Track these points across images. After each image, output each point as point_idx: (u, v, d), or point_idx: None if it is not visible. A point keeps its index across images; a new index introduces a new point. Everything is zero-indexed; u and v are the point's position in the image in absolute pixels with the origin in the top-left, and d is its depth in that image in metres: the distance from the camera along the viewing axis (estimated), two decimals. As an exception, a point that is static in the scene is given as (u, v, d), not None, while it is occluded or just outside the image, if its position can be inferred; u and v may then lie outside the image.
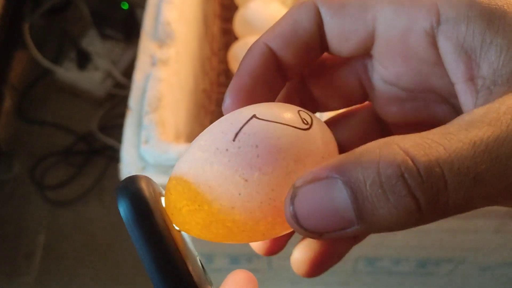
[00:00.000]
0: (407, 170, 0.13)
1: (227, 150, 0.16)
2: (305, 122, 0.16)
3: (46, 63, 0.97)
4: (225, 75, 0.63)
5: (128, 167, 0.40)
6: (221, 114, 0.59)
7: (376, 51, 0.18)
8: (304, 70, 0.20)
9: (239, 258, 0.55)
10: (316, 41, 0.18)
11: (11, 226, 0.89)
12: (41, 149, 0.96)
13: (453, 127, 0.14)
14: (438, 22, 0.15)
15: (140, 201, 0.15)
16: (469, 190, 0.13)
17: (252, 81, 0.18)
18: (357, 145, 0.20)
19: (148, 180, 0.16)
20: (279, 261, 0.56)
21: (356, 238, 0.19)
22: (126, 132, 0.42)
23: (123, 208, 0.15)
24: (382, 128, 0.21)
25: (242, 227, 0.16)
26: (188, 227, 0.17)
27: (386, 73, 0.18)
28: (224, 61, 0.60)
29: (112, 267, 0.85)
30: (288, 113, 0.16)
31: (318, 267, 0.18)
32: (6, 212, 0.91)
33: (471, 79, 0.15)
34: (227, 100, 0.18)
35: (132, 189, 0.15)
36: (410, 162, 0.13)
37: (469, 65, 0.15)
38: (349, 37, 0.17)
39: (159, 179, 0.39)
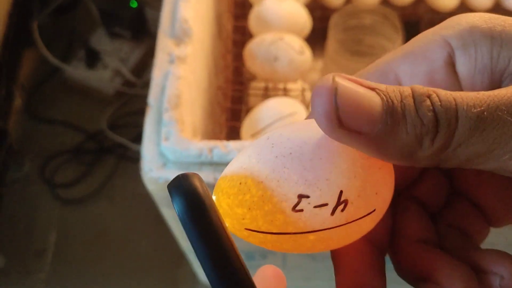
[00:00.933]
0: (431, 95, 0.15)
1: (290, 153, 0.16)
2: None
3: (55, 61, 0.98)
4: (238, 72, 0.63)
5: (148, 164, 0.40)
6: (236, 111, 0.59)
7: None
8: None
9: (255, 255, 0.55)
10: None
11: (22, 224, 0.90)
12: (51, 147, 0.97)
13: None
14: (453, 51, 0.18)
15: (197, 198, 0.15)
16: (471, 132, 0.15)
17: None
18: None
19: (200, 177, 0.16)
20: (294, 258, 0.56)
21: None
22: (146, 129, 0.42)
23: (179, 206, 0.15)
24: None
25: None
26: (237, 227, 0.17)
27: None
28: (238, 58, 0.60)
29: (123, 265, 0.85)
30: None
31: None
32: (17, 211, 0.91)
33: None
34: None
35: (188, 186, 0.15)
36: (434, 92, 0.15)
37: (484, 80, 0.17)
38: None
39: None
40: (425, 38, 0.18)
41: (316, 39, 0.66)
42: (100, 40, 1.02)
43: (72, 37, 1.07)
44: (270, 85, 0.53)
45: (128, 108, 1.00)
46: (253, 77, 0.57)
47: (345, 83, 0.15)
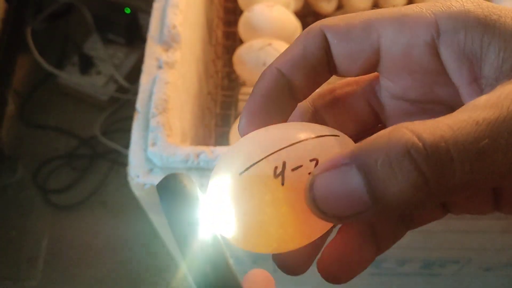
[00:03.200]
0: (413, 147, 0.13)
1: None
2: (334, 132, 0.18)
3: (48, 67, 0.98)
4: (229, 78, 0.63)
5: (135, 169, 0.40)
6: (226, 117, 0.59)
7: (382, 68, 0.19)
8: (314, 92, 0.21)
9: (245, 260, 0.55)
10: (324, 64, 0.19)
11: (14, 230, 0.89)
12: (44, 153, 0.97)
13: (457, 111, 0.15)
14: (438, 34, 0.17)
15: (186, 198, 0.15)
16: (474, 164, 0.14)
17: (265, 102, 0.19)
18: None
19: (189, 177, 0.16)
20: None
21: (377, 236, 0.19)
22: (133, 135, 0.42)
23: (165, 207, 0.15)
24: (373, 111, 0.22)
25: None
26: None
27: (393, 88, 0.19)
28: (228, 64, 0.60)
29: (115, 271, 0.85)
30: (324, 127, 0.18)
31: (346, 268, 0.19)
32: (10, 216, 0.91)
33: (475, 80, 0.17)
34: (243, 121, 0.19)
35: (176, 186, 0.15)
36: (416, 139, 0.14)
37: (471, 68, 0.17)
38: (356, 58, 0.19)
39: (167, 181, 0.39)
40: (417, 9, 0.18)
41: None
42: (94, 46, 1.02)
43: (66, 43, 1.07)
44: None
45: (122, 114, 1.00)
46: (243, 83, 0.58)
47: (320, 179, 0.15)
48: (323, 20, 0.19)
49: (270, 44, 0.49)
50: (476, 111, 0.14)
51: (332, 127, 0.21)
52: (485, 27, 0.16)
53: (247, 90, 0.58)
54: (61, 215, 0.91)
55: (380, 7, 0.66)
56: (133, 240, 0.87)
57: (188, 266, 0.15)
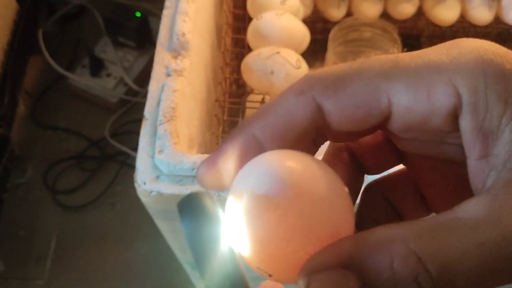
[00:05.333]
0: (421, 275, 0.14)
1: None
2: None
3: (59, 69, 0.99)
4: (237, 84, 0.64)
5: (142, 176, 0.41)
6: (233, 123, 0.59)
7: (393, 126, 0.17)
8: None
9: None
10: (310, 136, 0.18)
11: (23, 230, 0.90)
12: (53, 154, 0.98)
13: (459, 224, 0.14)
14: (460, 104, 0.16)
15: (207, 218, 0.15)
16: (480, 280, 0.14)
17: (227, 163, 0.17)
18: (375, 169, 0.21)
19: (210, 196, 0.16)
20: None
21: None
22: (141, 141, 0.42)
23: (186, 224, 0.15)
24: (396, 152, 0.21)
25: None
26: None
27: (401, 134, 0.18)
28: (236, 71, 0.60)
29: (121, 272, 0.86)
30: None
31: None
32: (19, 216, 0.92)
33: (485, 157, 0.16)
34: (199, 173, 0.18)
35: (197, 205, 0.15)
36: (422, 268, 0.14)
37: (485, 144, 0.16)
38: (359, 125, 0.17)
39: (173, 189, 0.40)
40: (432, 70, 0.16)
41: (318, 51, 0.66)
42: (105, 49, 1.03)
43: (76, 46, 1.08)
44: (267, 98, 0.54)
45: (131, 116, 1.00)
46: (251, 90, 0.58)
47: (317, 283, 0.14)
48: (311, 78, 0.17)
49: (279, 53, 0.49)
50: (479, 229, 0.14)
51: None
52: (505, 105, 0.15)
53: (254, 97, 0.58)
54: (69, 216, 0.92)
55: (389, 14, 0.66)
56: (140, 241, 0.88)
57: (206, 283, 0.15)
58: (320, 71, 0.17)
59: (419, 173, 0.20)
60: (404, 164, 0.21)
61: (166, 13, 0.50)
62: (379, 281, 0.14)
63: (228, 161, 0.18)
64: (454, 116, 0.16)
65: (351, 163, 0.20)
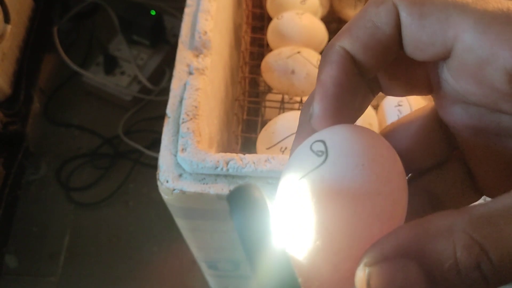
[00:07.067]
0: (483, 263, 0.14)
1: None
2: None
3: (74, 66, 0.99)
4: (255, 83, 0.64)
5: (165, 174, 0.41)
6: (252, 123, 0.59)
7: (450, 65, 0.17)
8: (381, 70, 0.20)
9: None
10: (395, 44, 0.18)
11: (36, 226, 0.91)
12: (67, 151, 0.98)
13: None
14: None
15: (257, 211, 0.15)
16: None
17: (337, 89, 0.17)
18: (418, 155, 0.20)
19: (258, 189, 0.16)
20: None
21: None
22: (163, 139, 0.42)
23: (237, 217, 0.15)
24: (444, 136, 0.20)
25: None
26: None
27: (455, 84, 0.18)
28: (255, 70, 0.60)
29: (134, 270, 0.86)
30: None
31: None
32: (32, 212, 0.92)
33: None
34: (317, 110, 0.18)
35: (248, 198, 0.15)
36: (485, 256, 0.14)
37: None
38: (425, 49, 0.17)
39: (195, 188, 0.40)
40: (506, 21, 0.16)
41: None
42: (119, 47, 1.03)
43: (91, 43, 1.09)
44: (286, 97, 0.54)
45: (144, 114, 1.01)
46: (269, 89, 0.58)
47: (378, 274, 0.14)
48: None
49: (299, 52, 0.49)
50: None
51: (382, 80, 0.19)
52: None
53: (273, 96, 0.58)
54: (82, 213, 0.92)
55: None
56: (153, 239, 0.88)
57: (257, 277, 0.15)
58: None
59: (471, 153, 0.20)
60: (455, 149, 0.21)
61: (188, 11, 0.50)
62: (441, 269, 0.14)
63: (337, 89, 0.17)
64: (511, 75, 0.16)
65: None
